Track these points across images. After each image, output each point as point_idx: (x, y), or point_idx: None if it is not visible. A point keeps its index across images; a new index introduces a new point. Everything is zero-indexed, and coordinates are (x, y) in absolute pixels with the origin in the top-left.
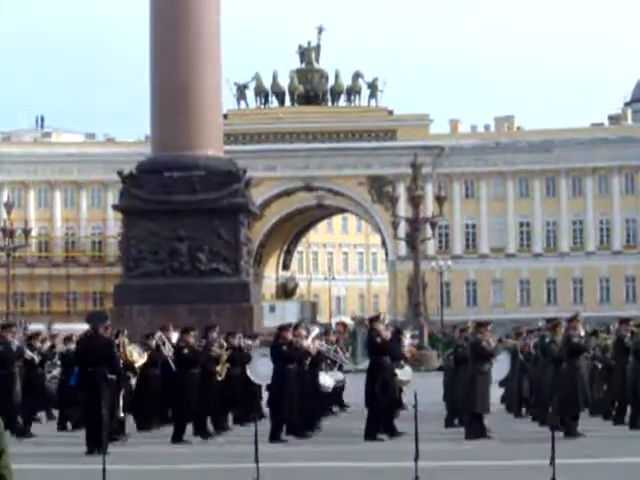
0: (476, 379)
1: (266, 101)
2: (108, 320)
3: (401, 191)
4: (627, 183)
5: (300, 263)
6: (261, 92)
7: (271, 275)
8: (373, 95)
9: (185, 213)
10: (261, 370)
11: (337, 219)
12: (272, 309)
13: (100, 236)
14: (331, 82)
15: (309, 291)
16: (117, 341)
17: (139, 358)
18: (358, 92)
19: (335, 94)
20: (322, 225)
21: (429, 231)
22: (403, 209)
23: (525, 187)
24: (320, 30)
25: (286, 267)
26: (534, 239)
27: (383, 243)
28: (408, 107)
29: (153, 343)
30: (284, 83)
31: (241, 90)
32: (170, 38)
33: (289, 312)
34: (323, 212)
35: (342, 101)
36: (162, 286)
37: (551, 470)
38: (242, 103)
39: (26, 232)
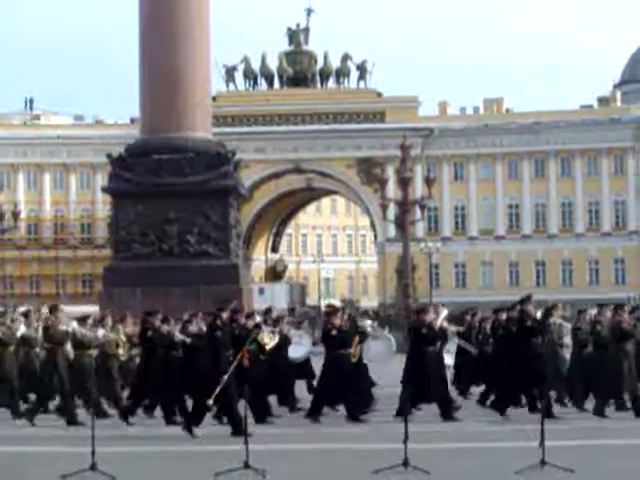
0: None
1: (255, 83)
2: (234, 303)
3: (390, 173)
4: (616, 165)
5: (289, 245)
6: (250, 74)
7: (260, 257)
8: (362, 77)
9: (174, 195)
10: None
11: (326, 201)
12: (261, 291)
13: (89, 218)
14: (320, 64)
15: (298, 273)
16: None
17: (270, 341)
18: (347, 74)
19: (324, 76)
20: (311, 207)
21: (418, 213)
22: (392, 191)
23: (514, 169)
24: (309, 12)
25: (275, 249)
26: (523, 221)
27: (372, 225)
28: (397, 89)
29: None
30: (273, 65)
31: (230, 72)
32: (159, 20)
33: (278, 294)
34: (312, 194)
35: (331, 83)
36: (151, 268)
37: (540, 452)
38: (231, 85)
39: (15, 214)
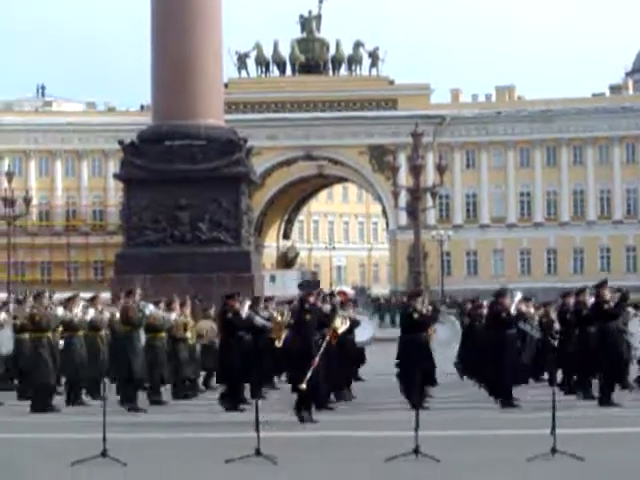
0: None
1: (267, 70)
2: (319, 288)
3: (402, 160)
4: (628, 153)
5: (301, 232)
6: (262, 61)
7: (272, 244)
8: (374, 64)
9: (186, 182)
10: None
11: (338, 188)
12: (272, 278)
13: (101, 205)
14: (332, 51)
15: (310, 260)
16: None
17: (341, 326)
18: (359, 61)
19: (336, 63)
20: (323, 194)
21: (430, 201)
22: (404, 178)
23: (526, 157)
24: None
25: (287, 236)
26: (535, 209)
27: (384, 212)
28: (409, 76)
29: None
30: (285, 52)
31: (242, 59)
32: (171, 6)
33: (289, 281)
34: (324, 181)
35: (343, 70)
36: (163, 255)
37: (552, 440)
38: (243, 72)
39: (27, 201)
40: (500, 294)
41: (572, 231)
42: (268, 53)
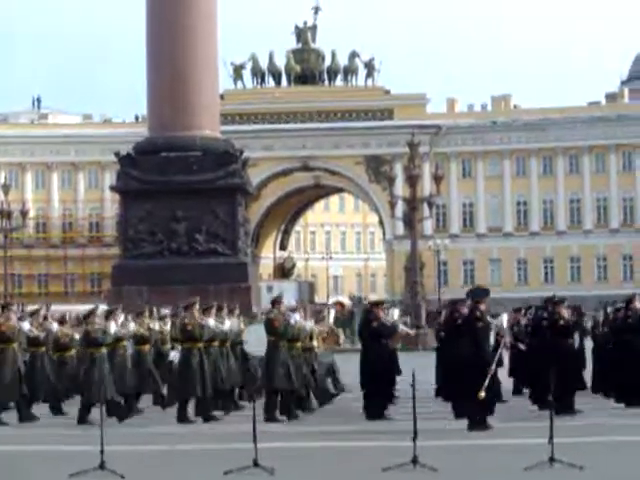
0: None
1: (262, 81)
2: (489, 295)
3: (398, 170)
4: (624, 161)
5: (297, 243)
6: (257, 72)
7: (268, 255)
8: (370, 75)
9: (182, 193)
10: None
11: (334, 199)
12: (269, 289)
13: (97, 217)
14: (328, 62)
15: (306, 271)
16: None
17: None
18: (355, 72)
19: (332, 74)
20: (319, 205)
21: (426, 210)
22: (400, 188)
23: (522, 166)
24: (316, 10)
25: (283, 247)
26: (531, 218)
27: (380, 222)
28: (405, 86)
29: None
30: (280, 63)
31: (237, 70)
32: (167, 18)
33: (287, 292)
34: (320, 192)
35: (339, 81)
36: (160, 266)
37: (550, 449)
38: (239, 83)
39: (23, 213)
40: (557, 302)
41: (568, 240)
42: (264, 64)
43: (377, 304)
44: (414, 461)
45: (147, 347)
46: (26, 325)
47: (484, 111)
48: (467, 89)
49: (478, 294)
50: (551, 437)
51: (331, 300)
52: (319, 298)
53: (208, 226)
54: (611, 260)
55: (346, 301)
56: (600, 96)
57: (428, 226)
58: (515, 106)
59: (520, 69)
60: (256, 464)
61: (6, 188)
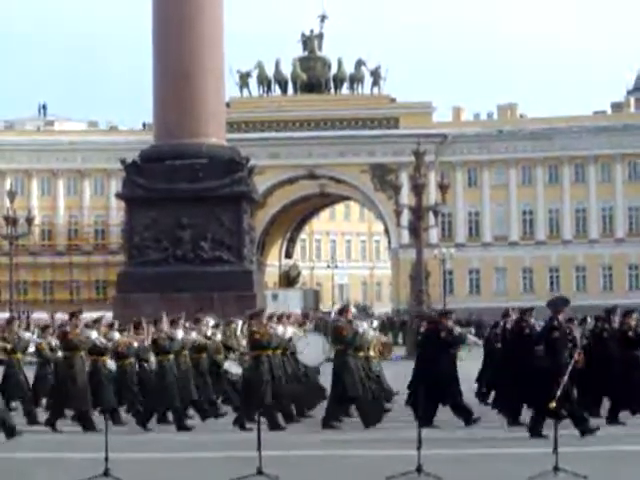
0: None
1: (269, 89)
2: (569, 304)
3: (404, 179)
4: (630, 171)
5: (303, 251)
6: (264, 80)
7: (274, 263)
8: (376, 83)
9: (188, 201)
10: None
11: (340, 207)
12: (275, 297)
13: (103, 224)
14: (334, 70)
15: (312, 279)
16: None
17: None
18: (361, 80)
19: (338, 82)
20: (325, 213)
21: (432, 219)
22: (406, 197)
23: (528, 175)
24: (323, 18)
25: (289, 255)
26: (537, 227)
27: (386, 231)
28: (411, 95)
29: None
30: (287, 71)
31: (244, 78)
32: (173, 26)
33: (292, 300)
34: (326, 200)
35: (345, 89)
36: (165, 274)
37: (554, 458)
38: (245, 91)
39: (29, 220)
40: (626, 314)
41: (574, 249)
42: (270, 72)
43: (445, 314)
44: (419, 469)
45: (204, 356)
46: (94, 334)
47: (490, 120)
48: (473, 98)
49: (558, 304)
50: (556, 447)
51: (336, 309)
52: (324, 306)
53: (213, 234)
54: (617, 269)
55: (351, 309)
56: (606, 106)
57: (434, 235)
58: (521, 115)
59: (526, 78)
60: (260, 472)
61: (12, 195)
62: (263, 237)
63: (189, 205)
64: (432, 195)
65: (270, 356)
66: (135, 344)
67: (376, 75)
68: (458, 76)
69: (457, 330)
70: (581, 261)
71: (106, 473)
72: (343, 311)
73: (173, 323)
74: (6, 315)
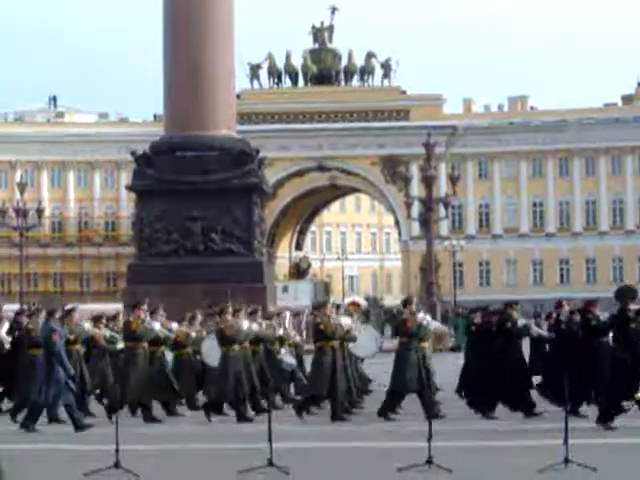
0: None
1: (279, 81)
2: (637, 295)
3: (414, 171)
4: None
5: (313, 243)
6: (274, 72)
7: (284, 255)
8: (386, 75)
9: (198, 193)
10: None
11: (350, 199)
12: (285, 289)
13: (113, 216)
14: (344, 62)
15: (322, 271)
16: None
17: None
18: (371, 72)
19: (348, 74)
20: (335, 205)
21: (442, 211)
22: (416, 189)
23: (538, 167)
24: (333, 10)
25: (299, 247)
26: (547, 219)
27: (396, 223)
28: (421, 87)
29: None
30: (297, 63)
31: (254, 70)
32: (183, 17)
33: (302, 292)
34: (336, 192)
35: (355, 81)
36: (175, 266)
37: (564, 450)
38: (255, 83)
39: (39, 212)
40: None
41: (584, 241)
42: (280, 64)
43: (511, 305)
44: (429, 462)
45: (260, 346)
46: (157, 325)
47: (500, 112)
48: (484, 90)
49: (627, 294)
50: (566, 438)
51: (346, 300)
52: (334, 298)
53: (224, 226)
54: (627, 261)
55: (361, 301)
56: (616, 98)
57: (444, 227)
58: (532, 107)
59: (537, 70)
60: (271, 464)
61: (22, 187)
62: (273, 229)
63: (199, 197)
64: (442, 187)
65: (335, 348)
66: (193, 334)
67: (386, 67)
68: (469, 68)
69: (522, 321)
70: (591, 253)
71: (117, 465)
72: (407, 303)
73: (236, 313)
74: (16, 307)
